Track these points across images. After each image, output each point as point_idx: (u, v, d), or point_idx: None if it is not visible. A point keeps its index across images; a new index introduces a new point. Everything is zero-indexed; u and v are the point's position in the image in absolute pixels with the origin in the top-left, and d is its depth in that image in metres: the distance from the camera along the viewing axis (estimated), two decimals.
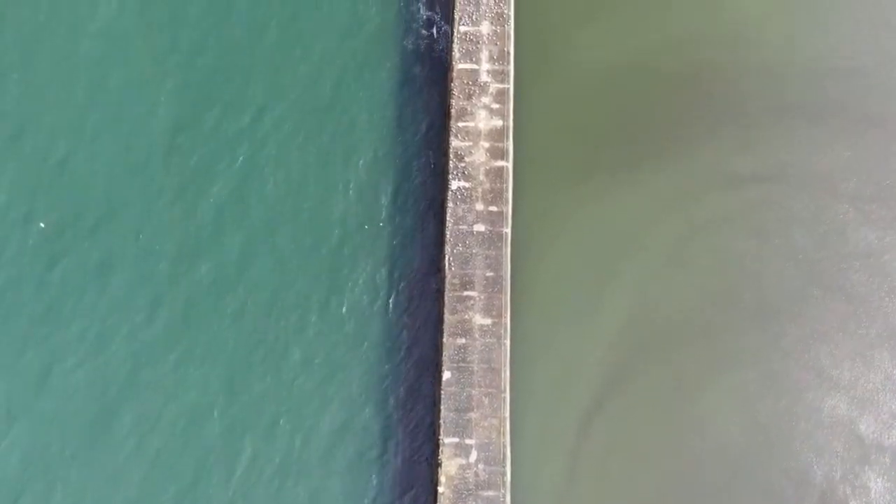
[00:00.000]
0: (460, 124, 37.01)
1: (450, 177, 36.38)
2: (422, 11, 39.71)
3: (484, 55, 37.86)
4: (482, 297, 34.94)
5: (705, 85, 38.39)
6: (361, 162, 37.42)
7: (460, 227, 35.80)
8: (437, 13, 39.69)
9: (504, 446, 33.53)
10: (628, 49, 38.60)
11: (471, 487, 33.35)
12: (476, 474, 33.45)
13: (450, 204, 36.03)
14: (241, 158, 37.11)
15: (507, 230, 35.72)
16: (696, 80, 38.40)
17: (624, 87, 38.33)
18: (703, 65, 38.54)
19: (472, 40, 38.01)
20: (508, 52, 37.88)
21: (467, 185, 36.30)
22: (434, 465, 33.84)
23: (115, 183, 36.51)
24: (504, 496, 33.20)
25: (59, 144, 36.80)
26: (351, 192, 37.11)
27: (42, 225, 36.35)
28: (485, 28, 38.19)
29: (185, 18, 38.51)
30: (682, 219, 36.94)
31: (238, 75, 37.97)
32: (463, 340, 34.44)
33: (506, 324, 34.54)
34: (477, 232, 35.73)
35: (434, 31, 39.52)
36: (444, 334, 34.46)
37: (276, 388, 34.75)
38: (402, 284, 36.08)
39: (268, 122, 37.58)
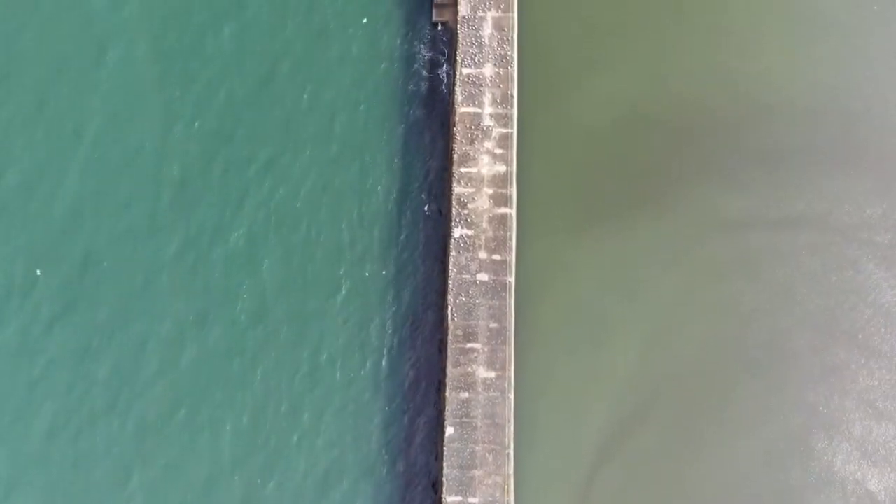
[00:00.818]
0: (463, 170, 36.36)
1: (452, 224, 35.72)
2: (423, 52, 39.08)
3: (487, 98, 37.21)
4: (486, 349, 34.25)
5: (707, 130, 37.72)
6: (362, 208, 36.78)
7: (463, 276, 35.11)
8: (439, 54, 39.06)
9: None
10: (632, 93, 37.95)
11: None
12: None
13: (452, 252, 35.36)
14: (246, 209, 36.41)
15: (511, 279, 35.05)
16: (699, 124, 37.74)
17: (627, 131, 37.67)
18: (705, 110, 37.88)
19: (474, 83, 37.36)
20: (512, 96, 37.24)
21: (470, 232, 35.62)
22: None
23: (120, 237, 35.88)
24: None
25: (65, 195, 36.16)
26: (351, 238, 36.43)
27: (38, 272, 35.68)
28: (488, 70, 37.54)
29: (194, 69, 37.93)
30: (685, 266, 36.27)
31: (243, 124, 37.37)
32: (466, 395, 33.75)
33: (510, 377, 33.87)
34: (480, 281, 35.05)
35: (436, 72, 38.88)
36: (447, 388, 33.78)
37: (278, 444, 34.11)
38: (402, 335, 35.39)
39: (271, 171, 36.94)
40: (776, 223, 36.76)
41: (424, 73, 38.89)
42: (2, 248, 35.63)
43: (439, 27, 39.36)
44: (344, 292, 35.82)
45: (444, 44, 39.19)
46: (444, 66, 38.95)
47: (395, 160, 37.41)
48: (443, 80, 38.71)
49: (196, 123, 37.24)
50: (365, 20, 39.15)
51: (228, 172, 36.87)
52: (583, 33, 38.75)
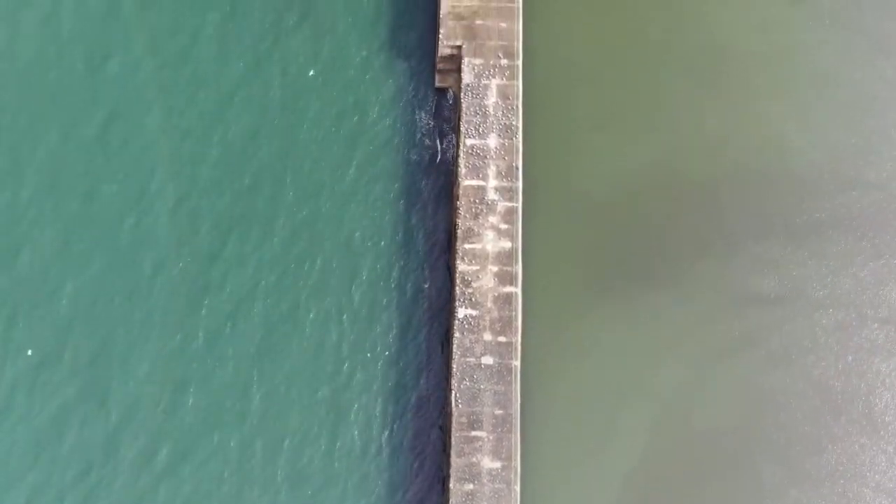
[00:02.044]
0: (467, 246, 35.19)
1: (456, 304, 34.53)
2: (426, 119, 37.99)
3: (491, 171, 36.07)
4: (491, 437, 33.03)
5: (720, 201, 36.73)
6: (363, 286, 35.62)
7: (467, 359, 33.91)
8: (443, 121, 37.96)
9: None
10: (639, 163, 36.92)
11: None
12: None
13: (456, 334, 34.16)
14: (242, 284, 35.27)
15: (517, 363, 33.85)
16: (711, 195, 36.72)
17: (634, 202, 36.64)
18: (717, 179, 36.87)
19: (479, 154, 36.22)
20: (517, 168, 36.10)
21: (475, 312, 34.42)
22: None
23: (110, 315, 34.68)
24: None
25: (54, 269, 35.07)
26: (351, 318, 35.25)
27: (30, 353, 34.52)
28: (492, 141, 36.42)
29: (197, 135, 37.00)
30: (698, 345, 35.17)
31: (242, 195, 36.27)
32: (471, 486, 32.52)
33: (516, 467, 32.65)
34: (485, 365, 33.84)
35: (439, 140, 37.77)
36: (451, 479, 32.53)
37: None
38: (404, 421, 34.19)
39: (269, 246, 35.80)
40: (790, 299, 35.62)
41: (427, 141, 37.77)
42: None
43: (444, 93, 38.28)
44: (342, 377, 34.57)
45: (448, 110, 38.11)
46: (448, 134, 37.86)
47: (397, 234, 36.25)
48: (446, 149, 37.60)
49: (194, 198, 36.20)
50: (365, 84, 38.05)
51: (224, 249, 35.73)
52: (589, 102, 37.77)
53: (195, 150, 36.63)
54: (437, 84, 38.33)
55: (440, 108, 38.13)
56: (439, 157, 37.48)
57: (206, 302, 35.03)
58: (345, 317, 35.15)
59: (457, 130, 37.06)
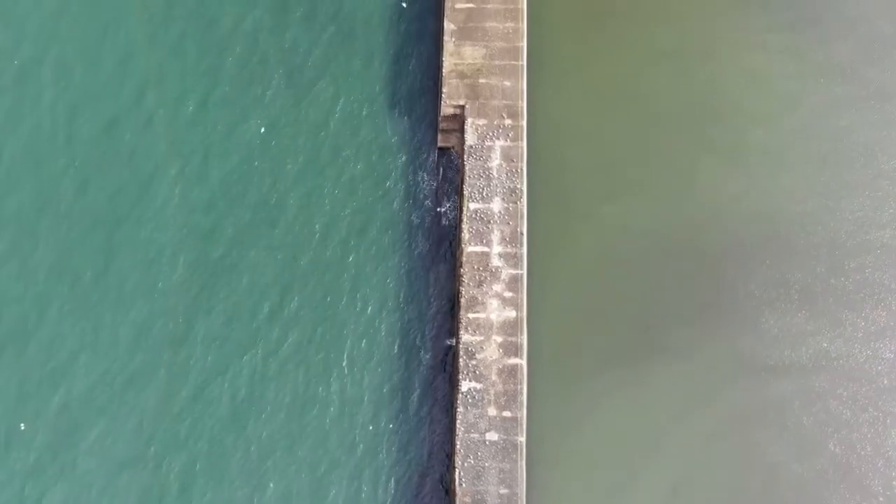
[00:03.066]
0: (471, 315, 34.18)
1: (460, 377, 33.50)
2: (428, 180, 37.07)
3: (495, 236, 35.08)
4: None
5: (731, 266, 35.70)
6: (361, 357, 34.62)
7: (471, 435, 32.87)
8: (446, 182, 37.01)
9: None
10: (650, 227, 35.99)
11: None
12: None
13: (460, 408, 33.13)
14: (243, 358, 34.36)
15: (522, 439, 32.82)
16: (721, 261, 35.72)
17: (645, 267, 35.65)
18: (729, 244, 35.87)
19: (482, 219, 35.24)
20: (522, 233, 35.12)
21: (479, 386, 33.39)
22: None
23: (110, 395, 33.81)
24: None
25: (61, 351, 34.18)
26: (350, 391, 34.24)
27: (22, 427, 33.54)
28: (496, 205, 35.44)
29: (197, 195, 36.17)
30: (708, 417, 34.14)
31: (244, 265, 35.46)
32: None
33: None
34: (490, 442, 32.80)
35: (442, 202, 36.81)
36: None
37: None
38: (408, 498, 33.14)
39: (268, 313, 34.85)
40: (802, 368, 34.60)
41: (429, 203, 36.82)
42: None
43: (446, 152, 37.35)
44: (341, 452, 33.55)
45: (451, 171, 37.14)
46: (450, 195, 36.89)
47: (399, 302, 35.25)
48: (448, 212, 36.63)
49: (195, 257, 35.28)
50: (365, 144, 37.17)
51: (227, 322, 34.82)
52: (595, 163, 36.88)
53: (204, 221, 35.79)
54: (440, 144, 37.41)
55: (442, 167, 37.18)
56: (442, 220, 36.49)
57: (209, 386, 33.98)
58: (343, 389, 34.10)
59: (460, 193, 36.11)
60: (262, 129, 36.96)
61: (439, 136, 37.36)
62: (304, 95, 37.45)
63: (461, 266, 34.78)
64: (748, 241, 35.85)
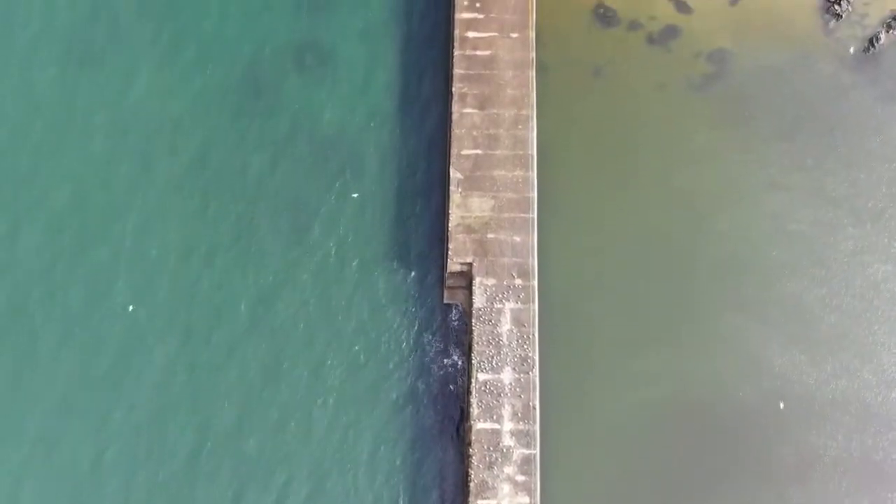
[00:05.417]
0: (481, 502, 32.06)
1: None
2: (434, 341, 34.94)
3: (506, 412, 32.98)
4: None
5: (751, 431, 33.84)
6: None
7: None
8: (452, 343, 34.86)
9: None
10: (672, 391, 34.02)
11: None
12: None
13: None
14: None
15: None
16: (740, 426, 33.83)
17: (665, 439, 33.64)
18: (747, 409, 33.95)
19: (492, 392, 33.12)
20: (534, 407, 33.03)
21: None
22: None
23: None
24: None
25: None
26: None
27: None
28: (507, 376, 33.32)
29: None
30: None
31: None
32: None
33: None
34: None
35: (448, 366, 34.67)
36: None
37: None
38: None
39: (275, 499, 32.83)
40: None
41: (434, 367, 34.68)
42: None
43: (451, 308, 35.21)
44: None
45: (457, 330, 34.97)
46: (457, 356, 34.74)
47: (403, 484, 33.11)
48: (455, 377, 34.50)
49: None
50: (366, 303, 35.03)
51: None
52: (609, 324, 34.88)
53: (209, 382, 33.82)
54: (446, 300, 35.28)
55: (448, 327, 35.04)
56: (448, 385, 34.37)
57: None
58: None
59: (468, 361, 33.97)
60: (271, 279, 34.89)
61: (445, 293, 35.23)
62: (306, 247, 35.34)
63: (470, 444, 32.69)
64: (769, 405, 33.79)
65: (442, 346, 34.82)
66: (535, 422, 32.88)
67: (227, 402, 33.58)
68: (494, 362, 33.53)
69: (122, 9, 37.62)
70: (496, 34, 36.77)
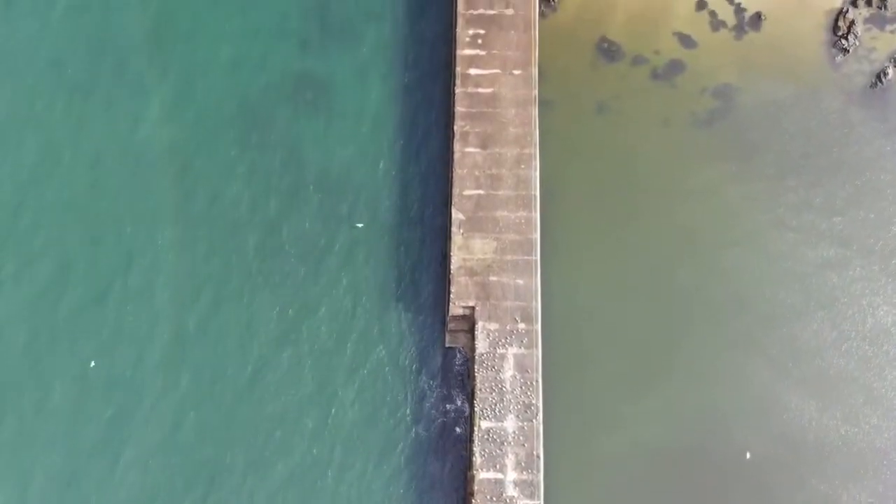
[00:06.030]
0: None
1: None
2: (435, 386, 34.24)
3: (510, 461, 32.28)
4: None
5: (756, 475, 33.11)
6: None
7: None
8: (453, 388, 34.16)
9: None
10: (678, 436, 33.34)
11: None
12: None
13: None
14: None
15: None
16: (745, 469, 33.16)
17: (668, 482, 33.00)
18: (753, 452, 33.20)
19: (495, 440, 32.42)
20: (538, 456, 32.33)
21: None
22: None
23: None
24: None
25: None
26: None
27: None
28: (510, 424, 32.63)
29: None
30: None
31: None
32: None
33: None
34: None
35: (450, 411, 33.95)
36: None
37: None
38: None
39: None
40: None
41: (435, 412, 33.98)
42: None
43: (453, 351, 34.51)
44: None
45: (459, 375, 34.28)
46: (458, 401, 34.02)
47: None
48: (457, 423, 33.79)
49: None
50: (364, 346, 34.36)
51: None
52: (614, 366, 34.29)
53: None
54: (448, 344, 34.61)
55: (450, 371, 34.34)
56: (450, 430, 33.66)
57: None
58: None
59: (470, 407, 33.26)
60: (279, 310, 34.27)
61: (447, 337, 34.55)
62: (301, 292, 34.64)
63: (472, 495, 32.00)
64: (780, 451, 33.17)
65: (444, 390, 34.11)
66: (538, 471, 32.20)
67: (231, 452, 32.86)
68: (497, 409, 32.84)
69: (126, 47, 37.03)
70: (499, 71, 36.09)
